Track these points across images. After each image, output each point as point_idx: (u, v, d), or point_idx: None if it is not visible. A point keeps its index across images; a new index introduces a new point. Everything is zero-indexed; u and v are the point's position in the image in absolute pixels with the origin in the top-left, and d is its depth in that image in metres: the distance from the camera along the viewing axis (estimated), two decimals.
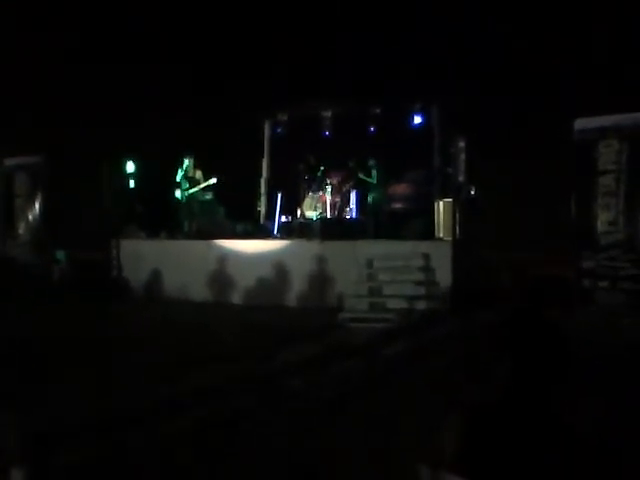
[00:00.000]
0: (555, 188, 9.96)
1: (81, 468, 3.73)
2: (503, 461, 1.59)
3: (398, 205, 11.80)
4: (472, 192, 10.86)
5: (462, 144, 10.92)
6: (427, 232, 10.25)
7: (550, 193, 10.18)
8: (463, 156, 10.86)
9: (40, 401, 4.89)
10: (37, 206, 12.82)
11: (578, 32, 11.51)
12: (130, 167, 12.28)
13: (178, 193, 11.93)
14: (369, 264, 9.64)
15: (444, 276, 9.26)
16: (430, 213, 10.60)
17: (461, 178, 10.54)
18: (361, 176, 12.11)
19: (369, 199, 12.08)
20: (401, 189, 12.00)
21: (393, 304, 8.98)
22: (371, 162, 12.08)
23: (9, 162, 13.22)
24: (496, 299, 8.85)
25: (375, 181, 12.06)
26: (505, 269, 9.85)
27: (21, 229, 13.05)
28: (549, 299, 8.08)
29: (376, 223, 11.10)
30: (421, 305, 8.99)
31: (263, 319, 9.13)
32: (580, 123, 9.13)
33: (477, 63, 11.84)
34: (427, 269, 9.41)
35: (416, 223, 10.48)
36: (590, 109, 9.26)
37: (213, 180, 11.85)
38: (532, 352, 1.66)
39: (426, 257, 9.44)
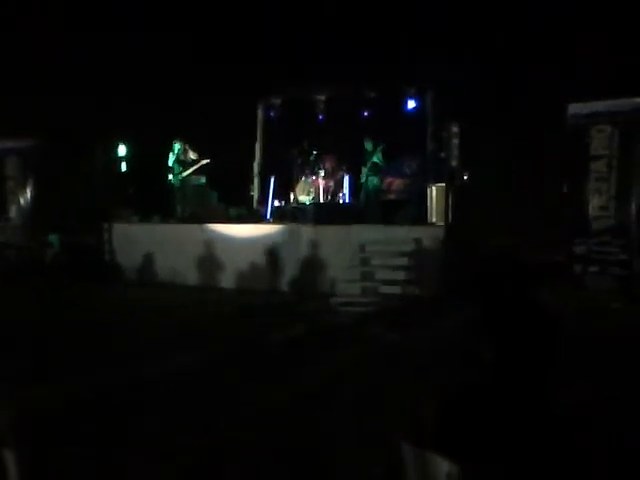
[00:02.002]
0: (547, 173, 9.98)
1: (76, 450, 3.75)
2: (485, 440, 1.61)
3: (392, 196, 11.78)
4: (465, 177, 10.86)
5: (455, 129, 10.89)
6: (420, 217, 10.26)
7: (542, 178, 10.20)
8: (456, 141, 10.84)
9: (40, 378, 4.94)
10: (29, 190, 12.75)
11: (572, 17, 11.46)
12: (122, 150, 12.20)
13: (171, 177, 11.89)
14: (362, 249, 9.66)
15: (436, 261, 9.29)
16: (423, 198, 10.60)
17: (454, 163, 10.52)
18: (375, 160, 11.95)
19: (370, 184, 11.88)
20: (396, 184, 11.96)
21: (385, 289, 9.02)
22: (383, 145, 11.91)
23: (0, 146, 13.11)
24: (487, 284, 8.89)
25: (383, 164, 11.92)
26: (497, 254, 9.88)
27: (12, 213, 12.99)
28: (540, 283, 8.13)
29: (369, 208, 11.09)
30: (413, 290, 9.02)
31: (254, 303, 9.16)
32: (573, 108, 9.12)
33: (470, 47, 11.78)
34: (419, 254, 9.43)
35: (409, 208, 10.49)
36: (583, 94, 9.25)
37: (205, 161, 11.81)
38: (520, 334, 1.67)
39: (418, 242, 9.46)
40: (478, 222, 10.05)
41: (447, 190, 9.80)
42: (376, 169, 11.74)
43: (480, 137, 10.68)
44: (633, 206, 8.70)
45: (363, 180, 11.61)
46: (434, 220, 10.19)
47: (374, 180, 11.75)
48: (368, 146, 11.67)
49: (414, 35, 12.28)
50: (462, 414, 1.65)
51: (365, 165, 11.60)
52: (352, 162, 12.30)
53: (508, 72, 11.51)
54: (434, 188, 10.41)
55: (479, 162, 10.91)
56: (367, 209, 11.16)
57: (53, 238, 12.24)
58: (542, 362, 1.67)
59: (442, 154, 10.92)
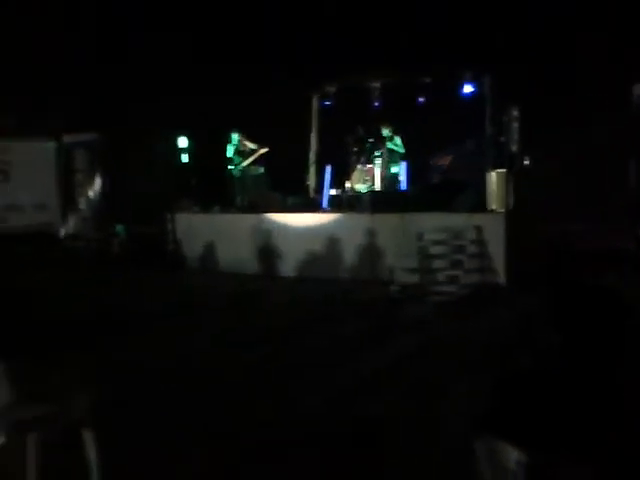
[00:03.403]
0: (613, 156, 9.62)
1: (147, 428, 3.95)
2: (554, 428, 1.63)
3: (445, 177, 11.62)
4: (526, 162, 10.60)
5: (516, 112, 10.63)
6: (479, 204, 10.09)
7: (607, 161, 9.84)
8: (517, 125, 10.58)
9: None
10: (96, 182, 13.30)
11: None
12: (183, 142, 12.54)
13: (230, 167, 12.14)
14: (420, 237, 9.59)
15: (497, 249, 9.14)
16: (482, 184, 10.41)
17: (514, 148, 10.29)
18: (390, 146, 11.96)
19: (397, 170, 11.91)
20: (444, 161, 11.79)
21: (444, 277, 8.95)
22: (391, 130, 11.91)
23: (68, 139, 13.71)
24: (552, 271, 8.71)
25: (403, 150, 11.92)
26: (560, 240, 9.64)
27: (81, 204, 13.58)
28: (607, 270, 7.89)
29: (425, 195, 10.98)
30: (473, 278, 8.92)
31: (312, 292, 9.30)
32: (638, 88, 8.76)
33: (530, 28, 11.43)
34: (480, 242, 9.29)
35: (468, 194, 10.31)
36: None
37: (264, 150, 12.00)
38: (590, 321, 1.67)
39: (478, 230, 9.32)
40: (540, 208, 9.81)
41: (507, 176, 9.60)
42: (395, 156, 11.70)
43: (541, 120, 10.38)
44: None
45: (382, 168, 11.63)
46: (494, 207, 10.00)
47: (394, 167, 11.71)
48: (385, 132, 11.65)
49: (470, 18, 12.02)
50: (531, 402, 1.67)
51: (381, 153, 11.60)
52: (409, 149, 12.21)
53: (570, 53, 11.11)
54: (493, 174, 10.20)
55: (541, 146, 10.61)
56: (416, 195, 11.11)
57: (120, 228, 12.73)
58: (613, 349, 1.66)
59: (501, 139, 10.70)
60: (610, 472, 1.56)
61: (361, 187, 12.03)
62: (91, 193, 13.36)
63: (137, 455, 3.53)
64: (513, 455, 1.68)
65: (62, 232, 13.50)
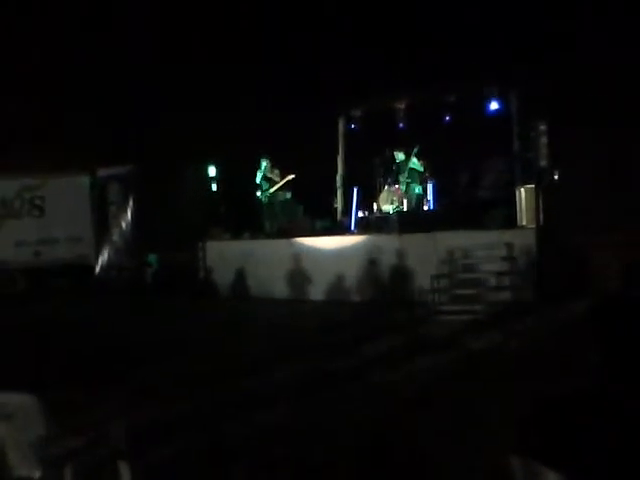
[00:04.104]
0: None
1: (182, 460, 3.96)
2: (594, 453, 1.59)
3: (474, 195, 11.54)
4: (555, 177, 10.46)
5: (543, 127, 10.53)
6: (509, 220, 9.98)
7: (637, 172, 9.64)
8: (544, 140, 10.48)
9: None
10: (129, 213, 13.60)
11: None
12: (212, 171, 12.77)
13: (259, 194, 12.29)
14: (450, 255, 9.52)
15: (529, 265, 9.01)
16: (512, 201, 10.30)
17: (543, 163, 10.18)
18: (410, 166, 11.96)
19: (417, 190, 11.90)
20: (473, 179, 11.74)
21: (476, 296, 8.84)
22: (410, 151, 11.94)
23: (102, 172, 14.09)
24: (586, 286, 8.52)
25: (423, 169, 11.90)
26: (593, 254, 9.44)
27: (115, 235, 13.89)
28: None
29: (453, 213, 10.92)
30: (506, 296, 8.79)
31: (344, 314, 9.27)
32: None
33: (556, 42, 11.37)
34: (511, 259, 9.17)
35: (497, 212, 10.22)
36: None
37: (291, 176, 12.13)
38: (621, 340, 1.64)
39: (509, 246, 9.20)
40: (572, 223, 9.63)
41: (537, 191, 9.49)
42: (416, 175, 11.69)
43: (569, 134, 10.25)
44: None
45: (403, 189, 11.60)
46: (524, 223, 9.88)
47: (416, 187, 11.69)
48: (399, 157, 11.70)
49: (495, 35, 12.03)
50: (569, 422, 1.63)
51: (402, 175, 11.59)
52: (436, 168, 12.19)
53: (596, 62, 11.00)
54: (523, 190, 10.10)
55: (570, 160, 10.47)
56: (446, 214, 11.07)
57: (152, 258, 12.96)
58: None
59: (529, 154, 10.60)
60: None
61: (388, 208, 12.01)
62: (124, 224, 13.67)
63: None
64: (551, 477, 1.64)
65: (96, 263, 13.78)
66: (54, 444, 2.95)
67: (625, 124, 10.09)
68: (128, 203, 13.67)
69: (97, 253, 13.86)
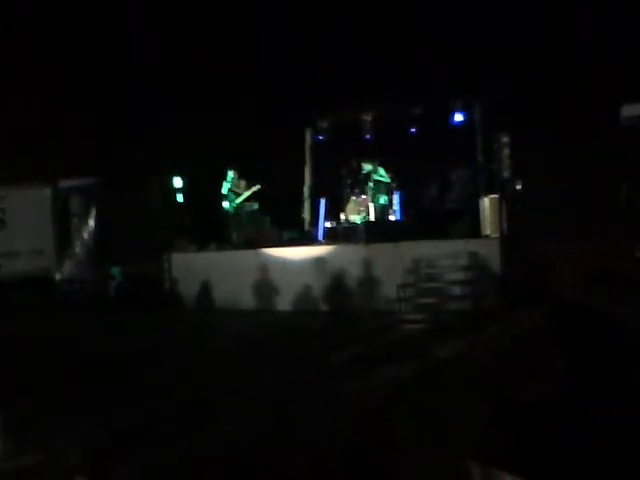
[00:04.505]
0: (603, 177, 9.69)
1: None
2: (557, 458, 1.59)
3: (439, 205, 11.70)
4: (518, 187, 10.67)
5: (505, 139, 10.76)
6: (474, 230, 10.13)
7: (599, 183, 9.90)
8: (507, 151, 10.70)
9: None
10: (91, 225, 13.36)
11: (622, 17, 11.19)
12: (178, 182, 12.64)
13: (225, 205, 12.21)
14: (415, 265, 9.60)
15: (494, 274, 9.13)
16: (476, 211, 10.47)
17: (506, 174, 10.39)
18: (376, 177, 12.14)
19: (382, 200, 12.07)
20: (438, 189, 11.91)
21: (441, 305, 8.91)
22: (376, 162, 12.14)
23: (64, 184, 13.83)
24: (549, 294, 8.68)
25: (389, 180, 12.13)
26: (556, 263, 9.63)
27: (77, 248, 13.62)
28: (604, 291, 7.87)
29: (419, 223, 11.04)
30: (470, 305, 8.88)
31: (311, 324, 9.25)
32: (627, 109, 8.88)
33: (517, 55, 11.64)
34: (475, 268, 9.29)
35: (461, 222, 10.36)
36: (636, 95, 8.98)
37: (257, 187, 12.11)
38: (585, 347, 1.66)
39: (474, 256, 9.33)
40: (535, 232, 9.83)
41: (500, 201, 9.66)
42: (382, 186, 11.89)
43: (531, 145, 10.48)
44: None
45: (370, 200, 11.77)
46: (488, 232, 10.03)
47: (381, 198, 11.89)
48: (366, 167, 11.91)
49: (458, 48, 12.25)
50: (529, 428, 1.63)
51: (367, 186, 11.79)
52: (402, 179, 12.34)
53: (557, 75, 11.29)
54: (487, 200, 10.27)
55: (532, 170, 10.70)
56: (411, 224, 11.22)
57: (115, 270, 12.73)
58: (611, 373, 1.64)
59: (493, 165, 10.81)
60: None
61: (356, 218, 12.08)
62: (86, 236, 13.41)
63: None
64: None
65: (58, 276, 13.48)
66: (5, 462, 2.86)
67: (585, 137, 10.37)
68: (90, 215, 13.43)
69: (59, 266, 13.56)
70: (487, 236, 9.90)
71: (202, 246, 12.26)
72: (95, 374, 6.38)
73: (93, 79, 14.35)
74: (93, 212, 13.41)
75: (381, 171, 12.15)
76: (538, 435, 1.62)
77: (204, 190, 12.71)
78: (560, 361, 1.67)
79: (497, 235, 9.56)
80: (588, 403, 1.59)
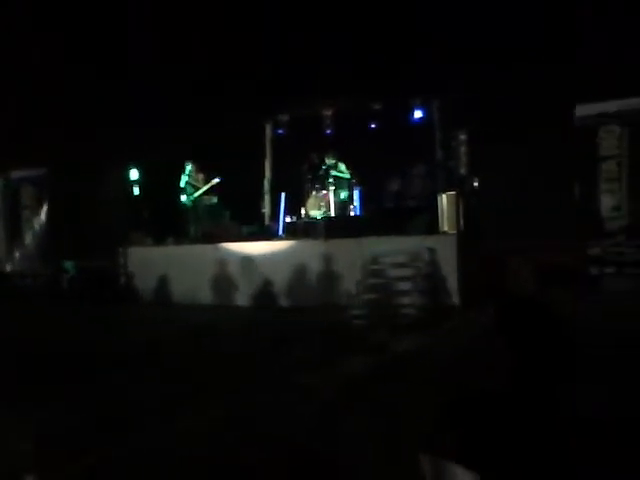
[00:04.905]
0: (558, 175, 9.94)
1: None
2: (506, 451, 1.61)
3: (398, 201, 11.78)
4: (475, 184, 10.86)
5: (463, 137, 10.94)
6: (431, 226, 10.25)
7: (553, 181, 10.16)
8: (464, 149, 10.88)
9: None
10: (43, 217, 12.95)
11: (577, 17, 11.47)
12: (134, 175, 12.37)
13: (183, 198, 12.02)
14: (374, 261, 9.65)
15: (450, 270, 9.27)
16: (434, 207, 10.59)
17: (463, 171, 10.55)
18: (335, 173, 12.16)
19: (343, 196, 12.09)
20: (397, 185, 11.97)
21: (400, 300, 8.99)
22: (333, 158, 12.15)
23: (15, 175, 13.38)
24: (503, 290, 8.85)
25: (349, 176, 12.14)
26: (511, 260, 9.84)
27: (28, 241, 13.19)
28: (556, 287, 8.08)
29: (379, 219, 11.10)
30: (428, 300, 8.98)
31: (269, 319, 9.21)
32: (581, 109, 9.12)
33: (475, 55, 11.81)
34: (433, 263, 9.40)
35: (419, 218, 10.47)
36: (591, 95, 9.23)
37: (216, 180, 11.95)
38: (532, 341, 1.67)
39: (432, 251, 9.44)
40: (490, 229, 10.02)
41: (457, 198, 9.80)
42: (343, 181, 11.94)
43: (488, 143, 10.67)
44: None
45: (331, 195, 11.79)
46: (445, 228, 10.17)
47: (342, 193, 11.93)
48: (329, 162, 11.92)
49: (417, 45, 12.34)
50: (481, 423, 1.65)
51: (327, 181, 11.79)
52: (362, 175, 12.37)
53: (513, 75, 11.51)
54: (444, 196, 10.40)
55: (489, 168, 10.90)
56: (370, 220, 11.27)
57: (68, 264, 12.39)
58: (559, 366, 1.66)
59: (451, 162, 10.96)
60: None
61: (316, 213, 12.07)
62: (38, 229, 12.99)
63: None
64: (464, 476, 1.64)
65: (8, 269, 13.05)
66: None
67: (540, 136, 10.62)
68: (43, 207, 13.01)
69: (9, 258, 13.12)
70: (445, 232, 10.03)
71: (159, 240, 12.05)
72: (29, 370, 6.19)
73: (46, 66, 13.90)
74: (45, 204, 12.98)
75: (341, 166, 12.15)
76: (488, 429, 1.64)
77: (162, 183, 12.48)
78: (511, 356, 1.69)
79: (454, 231, 9.69)
80: (537, 397, 1.62)
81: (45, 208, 12.99)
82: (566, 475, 1.59)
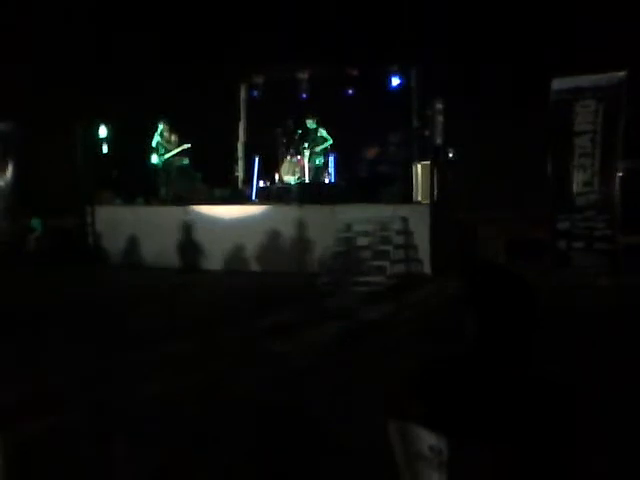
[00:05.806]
0: (532, 149, 9.98)
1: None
2: (469, 412, 1.60)
3: (373, 169, 11.70)
4: (450, 154, 10.84)
5: (439, 106, 10.86)
6: (405, 195, 10.24)
7: (527, 154, 10.21)
8: (441, 118, 10.81)
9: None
10: (9, 174, 12.52)
11: None
12: (103, 132, 12.02)
13: (154, 158, 11.75)
14: (347, 228, 9.64)
15: (423, 239, 9.31)
16: (409, 176, 10.57)
17: (439, 140, 10.51)
18: (315, 138, 11.95)
19: (318, 162, 11.82)
20: (372, 153, 11.88)
21: (371, 267, 9.02)
22: (314, 122, 11.87)
23: None
24: (473, 260, 8.94)
25: (330, 141, 11.86)
26: (482, 231, 9.93)
27: None
28: (525, 260, 8.20)
29: (353, 187, 11.05)
30: (400, 268, 9.04)
31: (240, 284, 9.15)
32: (557, 83, 9.10)
33: (454, 24, 11.67)
34: (406, 232, 9.43)
35: (394, 187, 10.45)
36: (567, 69, 9.22)
37: (187, 145, 11.71)
38: (501, 308, 1.66)
39: (405, 220, 9.45)
40: (463, 199, 10.06)
41: (432, 168, 9.77)
42: (320, 146, 11.74)
43: (464, 113, 10.63)
44: (617, 181, 8.74)
45: (306, 161, 11.59)
46: (419, 198, 10.18)
47: (317, 159, 11.73)
48: (310, 125, 11.68)
49: (397, 13, 12.14)
50: (446, 387, 1.64)
51: (302, 147, 11.55)
52: (337, 141, 12.22)
53: (491, 47, 11.43)
54: (419, 166, 10.38)
55: (463, 139, 10.88)
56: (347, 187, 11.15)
57: (35, 222, 12.08)
58: (522, 336, 1.66)
59: (426, 131, 10.90)
60: (522, 458, 1.53)
61: (290, 179, 11.94)
62: (4, 185, 12.57)
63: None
64: (427, 439, 1.63)
65: None
66: None
67: (515, 109, 10.62)
68: (8, 163, 12.56)
69: None
70: (418, 202, 10.05)
71: (128, 200, 11.81)
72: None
73: (15, 19, 13.30)
74: (11, 160, 12.54)
75: (323, 131, 11.88)
76: (454, 394, 1.63)
77: (132, 142, 12.15)
78: (478, 324, 1.68)
79: (428, 201, 9.70)
80: (502, 363, 1.62)
81: (10, 164, 12.54)
82: (529, 435, 1.59)
